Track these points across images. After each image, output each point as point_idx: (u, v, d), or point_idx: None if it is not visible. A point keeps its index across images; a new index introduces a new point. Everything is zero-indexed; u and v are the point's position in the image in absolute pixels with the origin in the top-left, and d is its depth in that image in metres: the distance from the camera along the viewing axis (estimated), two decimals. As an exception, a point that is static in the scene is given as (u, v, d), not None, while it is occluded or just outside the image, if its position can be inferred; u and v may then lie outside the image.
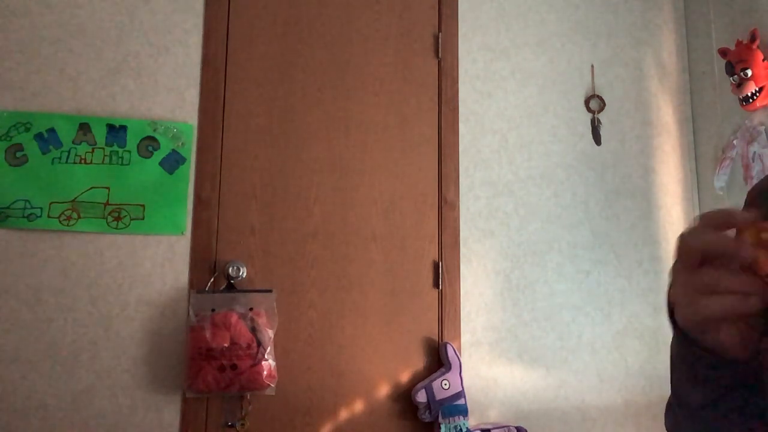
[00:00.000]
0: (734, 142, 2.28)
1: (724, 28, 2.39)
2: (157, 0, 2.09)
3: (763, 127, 2.16)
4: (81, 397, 1.86)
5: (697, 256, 0.44)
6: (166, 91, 2.05)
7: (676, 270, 0.46)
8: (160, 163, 2.00)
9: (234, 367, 1.81)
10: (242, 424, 1.92)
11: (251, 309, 1.90)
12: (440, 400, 2.00)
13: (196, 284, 1.96)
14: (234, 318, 1.85)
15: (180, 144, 2.02)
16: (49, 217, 1.90)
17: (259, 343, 1.85)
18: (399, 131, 2.23)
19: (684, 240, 0.45)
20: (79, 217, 1.92)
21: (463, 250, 2.21)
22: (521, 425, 2.13)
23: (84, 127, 1.97)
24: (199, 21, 2.11)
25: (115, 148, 1.98)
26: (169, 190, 1.99)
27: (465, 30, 2.36)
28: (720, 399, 0.52)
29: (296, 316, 2.04)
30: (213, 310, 1.86)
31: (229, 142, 2.08)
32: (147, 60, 2.06)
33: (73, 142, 1.95)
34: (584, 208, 2.37)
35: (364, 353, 2.08)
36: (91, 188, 1.94)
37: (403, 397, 2.07)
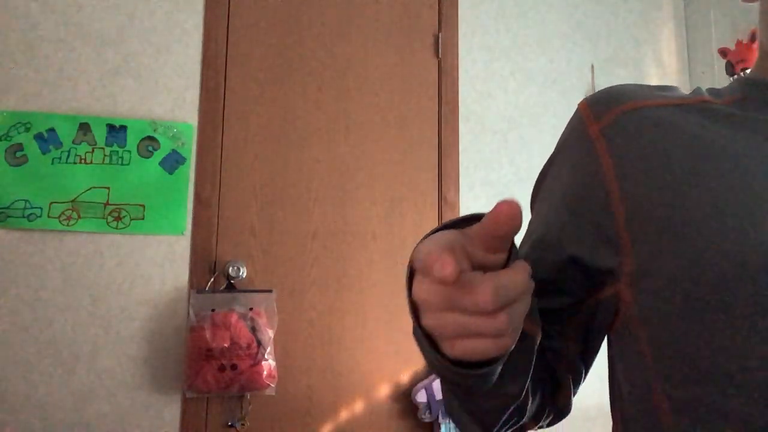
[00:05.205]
0: (734, 142, 2.28)
1: (724, 28, 2.39)
2: (157, 0, 2.09)
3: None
4: (81, 397, 1.86)
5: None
6: (166, 91, 2.05)
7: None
8: (160, 163, 2.00)
9: (234, 367, 1.81)
10: (242, 424, 1.92)
11: (251, 309, 1.90)
12: (440, 400, 2.00)
13: (196, 284, 1.96)
14: (234, 318, 1.85)
15: (180, 144, 2.02)
16: (49, 217, 1.90)
17: (259, 343, 1.85)
18: (399, 131, 2.23)
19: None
20: (79, 217, 1.92)
21: (463, 250, 2.21)
22: (521, 425, 2.13)
23: (84, 127, 1.97)
24: (199, 21, 2.11)
25: (115, 148, 1.98)
26: (169, 190, 1.99)
27: (465, 30, 2.36)
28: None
29: (296, 316, 2.04)
30: (213, 310, 1.86)
31: (229, 142, 2.08)
32: (147, 60, 2.06)
33: (73, 142, 1.95)
34: (584, 208, 2.36)
35: (364, 353, 2.08)
36: (91, 188, 1.94)
37: (403, 397, 2.07)
